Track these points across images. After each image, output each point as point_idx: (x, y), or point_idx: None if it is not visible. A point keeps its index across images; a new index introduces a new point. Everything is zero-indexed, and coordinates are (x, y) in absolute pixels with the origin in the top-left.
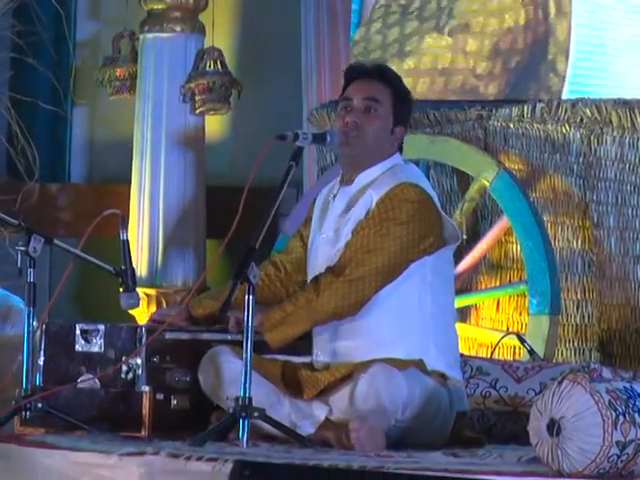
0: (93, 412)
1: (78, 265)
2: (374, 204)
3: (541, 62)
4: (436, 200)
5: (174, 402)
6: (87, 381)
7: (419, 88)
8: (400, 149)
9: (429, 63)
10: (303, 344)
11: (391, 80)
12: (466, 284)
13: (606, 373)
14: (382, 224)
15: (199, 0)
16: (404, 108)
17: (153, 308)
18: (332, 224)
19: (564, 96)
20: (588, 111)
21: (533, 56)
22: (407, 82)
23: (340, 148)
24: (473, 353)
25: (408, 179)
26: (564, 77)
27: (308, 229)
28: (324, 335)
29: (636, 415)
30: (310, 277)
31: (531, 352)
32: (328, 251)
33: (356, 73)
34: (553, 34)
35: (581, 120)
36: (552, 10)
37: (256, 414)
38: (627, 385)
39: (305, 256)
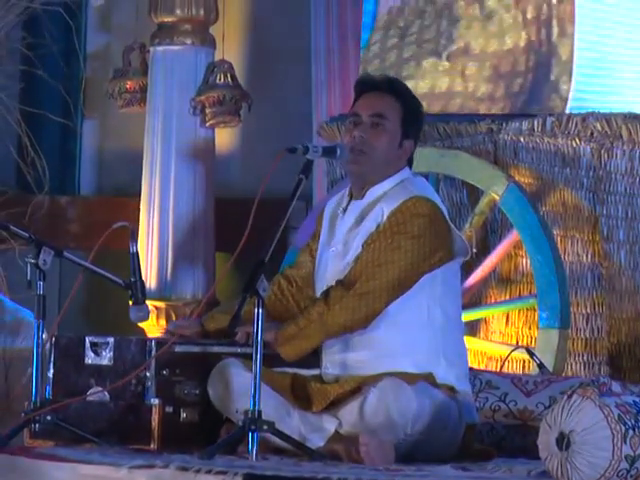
0: (102, 425)
1: (87, 277)
2: (385, 217)
3: (544, 84)
4: (446, 214)
5: (183, 415)
6: (96, 394)
7: None
8: (410, 163)
9: (426, 87)
10: (312, 357)
11: (401, 93)
12: (476, 298)
13: (616, 387)
14: (393, 237)
15: (209, 13)
16: (413, 122)
17: (162, 321)
18: (342, 238)
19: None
20: (598, 125)
21: (535, 78)
22: None
23: (348, 166)
24: (482, 367)
25: (419, 193)
26: (567, 98)
27: (316, 243)
28: (333, 348)
29: None
30: (318, 290)
31: (540, 366)
32: (337, 265)
33: (365, 87)
34: (556, 55)
35: (591, 134)
36: (555, 30)
37: (265, 427)
38: (637, 399)
39: (314, 270)
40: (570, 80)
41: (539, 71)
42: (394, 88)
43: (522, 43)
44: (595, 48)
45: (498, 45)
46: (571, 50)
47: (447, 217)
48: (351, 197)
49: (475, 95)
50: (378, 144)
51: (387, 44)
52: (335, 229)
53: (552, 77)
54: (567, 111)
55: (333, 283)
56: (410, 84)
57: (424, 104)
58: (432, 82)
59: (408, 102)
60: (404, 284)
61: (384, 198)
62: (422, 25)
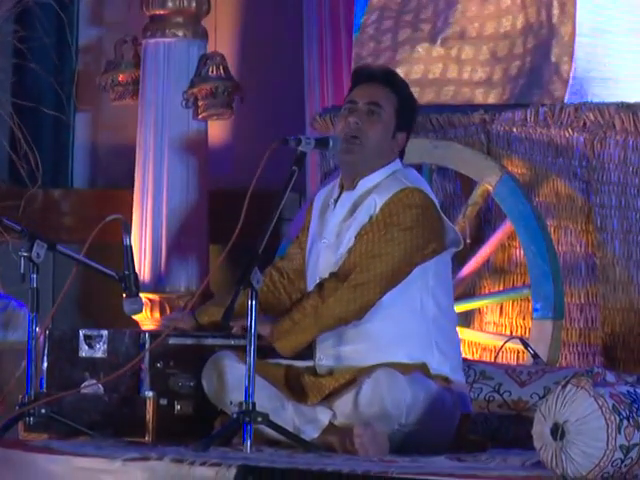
0: (97, 417)
1: (81, 270)
2: (378, 209)
3: (544, 66)
4: (438, 205)
5: (178, 407)
6: (91, 386)
7: None
8: (402, 154)
9: (420, 73)
10: (306, 349)
11: (397, 86)
12: (469, 288)
13: (610, 377)
14: (386, 229)
15: (201, 5)
16: (408, 114)
17: (157, 313)
18: (334, 229)
19: (567, 99)
20: (591, 115)
21: (535, 60)
22: None
23: (341, 155)
24: (477, 357)
25: (412, 184)
26: (567, 80)
27: (305, 235)
28: (327, 340)
29: None
30: (310, 282)
31: (535, 356)
32: (329, 256)
33: (362, 76)
34: (557, 35)
35: (584, 124)
36: (555, 11)
37: (260, 419)
38: (631, 389)
39: (304, 263)
40: (571, 61)
41: (538, 53)
42: (390, 80)
43: (520, 25)
44: (595, 31)
45: (495, 28)
46: (572, 30)
47: (439, 208)
48: (342, 188)
49: (471, 81)
50: (372, 132)
51: (382, 26)
52: (326, 220)
53: (552, 58)
54: (567, 94)
55: (325, 275)
56: (403, 69)
57: (417, 90)
58: (425, 68)
59: (403, 95)
60: (397, 275)
61: (376, 189)
62: (419, 3)
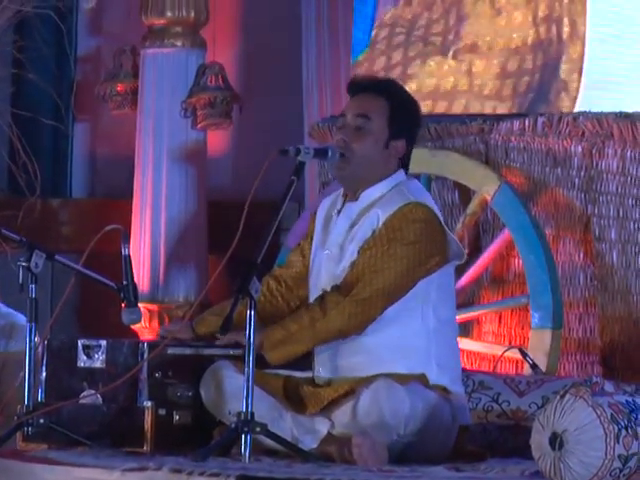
0: (95, 428)
1: (80, 280)
2: (381, 223)
3: (552, 82)
4: (441, 218)
5: (176, 417)
6: (89, 397)
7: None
8: (405, 165)
9: (431, 86)
10: (303, 359)
11: (389, 93)
12: (468, 298)
13: (608, 387)
14: (390, 244)
15: (200, 15)
16: (403, 122)
17: (155, 324)
18: (336, 240)
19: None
20: (589, 125)
21: (544, 76)
22: None
23: (333, 171)
24: (475, 367)
25: (415, 198)
26: (576, 97)
27: (309, 243)
28: (325, 352)
29: (638, 428)
30: (312, 293)
31: (533, 366)
32: (332, 268)
33: (355, 88)
34: (566, 53)
35: (582, 134)
36: (566, 29)
37: (258, 429)
38: (629, 399)
39: (306, 271)
40: (580, 79)
41: (547, 69)
42: (382, 88)
43: (530, 41)
44: (605, 47)
45: (506, 43)
46: (582, 48)
47: (442, 221)
48: (345, 198)
49: (481, 93)
50: (358, 147)
51: (393, 42)
52: (329, 231)
53: (561, 75)
54: (576, 110)
55: (327, 286)
56: (415, 83)
57: (429, 103)
58: (437, 81)
59: (397, 101)
60: (400, 290)
61: (379, 202)
62: (430, 18)
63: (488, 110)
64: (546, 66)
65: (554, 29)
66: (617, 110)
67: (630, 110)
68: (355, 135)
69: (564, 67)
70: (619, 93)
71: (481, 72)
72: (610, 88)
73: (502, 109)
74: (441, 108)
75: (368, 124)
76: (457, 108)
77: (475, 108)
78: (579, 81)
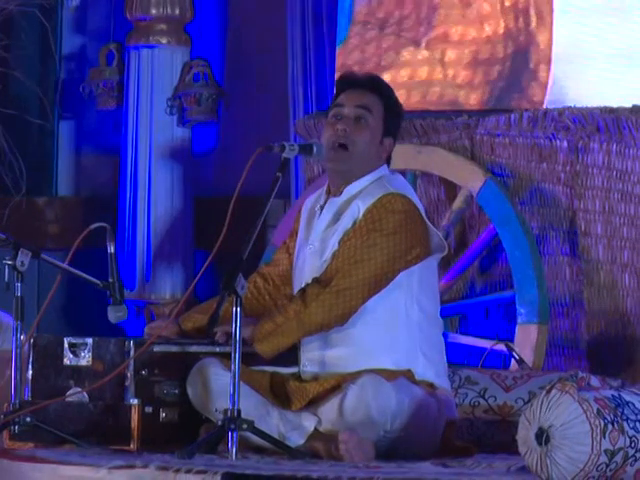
0: (82, 426)
1: (66, 278)
2: (361, 214)
3: (523, 71)
4: (422, 210)
5: (163, 415)
6: (75, 395)
7: None
8: (388, 160)
9: (406, 76)
10: (290, 355)
11: (383, 92)
12: (455, 293)
13: (594, 381)
14: (369, 234)
15: (185, 12)
16: (394, 120)
17: (141, 321)
18: (319, 235)
19: (545, 105)
20: (575, 119)
21: (514, 65)
22: None
23: (328, 163)
24: (462, 362)
25: (395, 189)
26: (546, 86)
27: (294, 241)
28: (311, 345)
29: (625, 423)
30: (296, 287)
31: (520, 361)
32: (315, 262)
33: (348, 83)
34: (534, 43)
35: (568, 129)
36: (533, 19)
37: (245, 426)
38: (615, 393)
39: (291, 268)
40: (549, 69)
41: (518, 59)
42: (376, 86)
43: (501, 30)
44: (572, 38)
45: (477, 32)
46: (549, 39)
47: (423, 213)
48: (328, 194)
49: (454, 82)
50: (360, 139)
51: (366, 37)
52: (312, 226)
53: (531, 65)
54: (546, 100)
55: (310, 280)
56: (389, 74)
57: (403, 93)
58: (411, 71)
59: (389, 100)
60: (381, 281)
61: (360, 195)
62: (401, 15)
63: (462, 99)
64: (516, 55)
65: (521, 18)
66: (587, 97)
67: (601, 97)
68: (356, 127)
69: (533, 57)
70: (589, 80)
71: (454, 61)
72: (577, 77)
73: (475, 97)
74: (416, 97)
75: (369, 117)
76: (431, 97)
77: (449, 96)
78: (548, 70)
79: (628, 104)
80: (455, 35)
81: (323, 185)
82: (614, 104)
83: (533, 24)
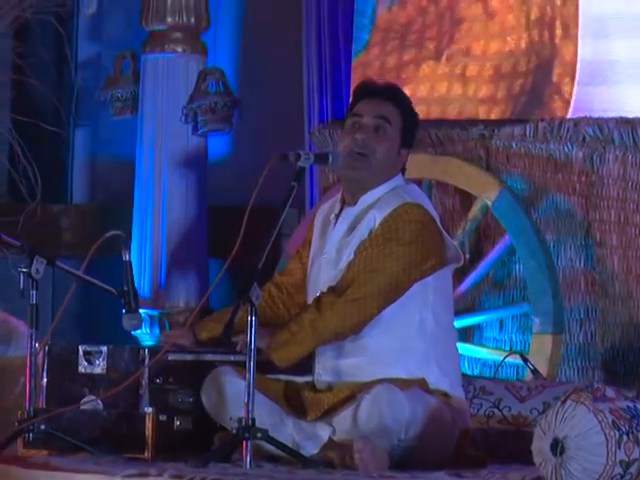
0: (96, 433)
1: (81, 286)
2: (377, 224)
3: (545, 85)
4: (438, 221)
5: (177, 423)
6: (90, 402)
7: None
8: (403, 170)
9: (425, 91)
10: (305, 363)
11: (401, 101)
12: (469, 304)
13: (609, 392)
14: (385, 244)
15: (200, 20)
16: (412, 131)
17: (156, 329)
18: (334, 245)
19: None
20: (590, 130)
21: (537, 79)
22: None
23: (346, 171)
24: (476, 373)
25: (412, 199)
26: (569, 101)
27: (307, 250)
28: (326, 354)
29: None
30: (310, 296)
31: (534, 372)
32: (330, 272)
33: (366, 91)
34: (558, 56)
35: (583, 139)
36: (558, 32)
37: (259, 435)
38: (630, 404)
39: (305, 278)
40: (573, 82)
41: (540, 72)
42: (395, 95)
43: (524, 44)
44: (598, 51)
45: (499, 46)
46: (574, 51)
47: (439, 224)
48: (343, 203)
49: (475, 97)
50: (379, 148)
51: (387, 46)
52: (327, 236)
53: (554, 78)
54: (569, 114)
55: (325, 290)
56: (409, 88)
57: (423, 108)
58: (431, 85)
59: (407, 111)
60: (396, 291)
61: (376, 205)
62: (424, 24)
63: (482, 114)
64: (539, 69)
65: (546, 32)
66: (611, 112)
67: (626, 112)
68: (375, 136)
69: (557, 70)
70: (614, 95)
71: (475, 76)
72: (603, 90)
73: (496, 112)
74: (435, 113)
75: (388, 128)
76: (451, 112)
77: (469, 112)
78: (572, 84)
79: None
80: (477, 49)
81: (336, 194)
82: (633, 111)
83: (558, 37)
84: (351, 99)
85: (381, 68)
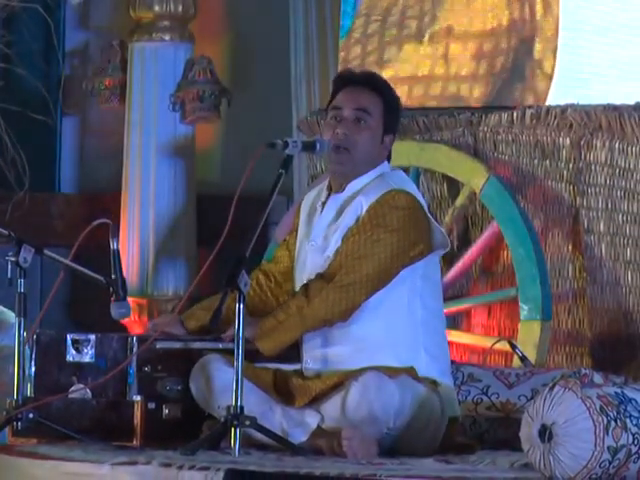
0: (85, 422)
1: (69, 274)
2: (364, 211)
3: (527, 62)
4: (425, 207)
5: (166, 411)
6: (78, 391)
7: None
8: (388, 156)
9: (408, 71)
10: (293, 351)
11: (381, 88)
12: (457, 291)
13: (597, 378)
14: (372, 230)
15: (188, 9)
16: (394, 116)
17: (144, 317)
18: (321, 232)
19: (551, 96)
20: (577, 117)
21: (518, 55)
22: None
23: (331, 165)
24: (465, 360)
25: (398, 186)
26: (551, 75)
27: (294, 237)
28: (314, 342)
29: (627, 420)
30: (298, 284)
31: (522, 358)
32: (317, 259)
33: (345, 81)
34: (540, 32)
35: (570, 126)
36: (539, 8)
37: (248, 423)
38: (618, 390)
39: (292, 265)
40: (554, 57)
41: (522, 49)
42: (374, 83)
43: (505, 22)
44: (575, 32)
45: (482, 24)
46: (555, 27)
47: (426, 210)
48: (330, 191)
49: (457, 76)
50: (361, 140)
51: (368, 30)
52: (313, 223)
53: (535, 55)
54: (551, 90)
55: (312, 277)
56: (392, 69)
57: (405, 89)
58: (414, 66)
59: (388, 97)
60: (384, 277)
61: (363, 191)
62: (405, 5)
63: (464, 92)
64: (521, 45)
65: (527, 9)
66: (591, 96)
67: (610, 100)
68: (356, 129)
69: (538, 46)
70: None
71: (457, 55)
72: (584, 70)
73: (477, 90)
74: (419, 92)
75: (367, 118)
76: (434, 91)
77: (451, 91)
78: (554, 59)
79: (631, 101)
80: (459, 28)
81: (324, 181)
82: (619, 98)
83: (539, 13)
84: (331, 90)
85: (362, 52)
